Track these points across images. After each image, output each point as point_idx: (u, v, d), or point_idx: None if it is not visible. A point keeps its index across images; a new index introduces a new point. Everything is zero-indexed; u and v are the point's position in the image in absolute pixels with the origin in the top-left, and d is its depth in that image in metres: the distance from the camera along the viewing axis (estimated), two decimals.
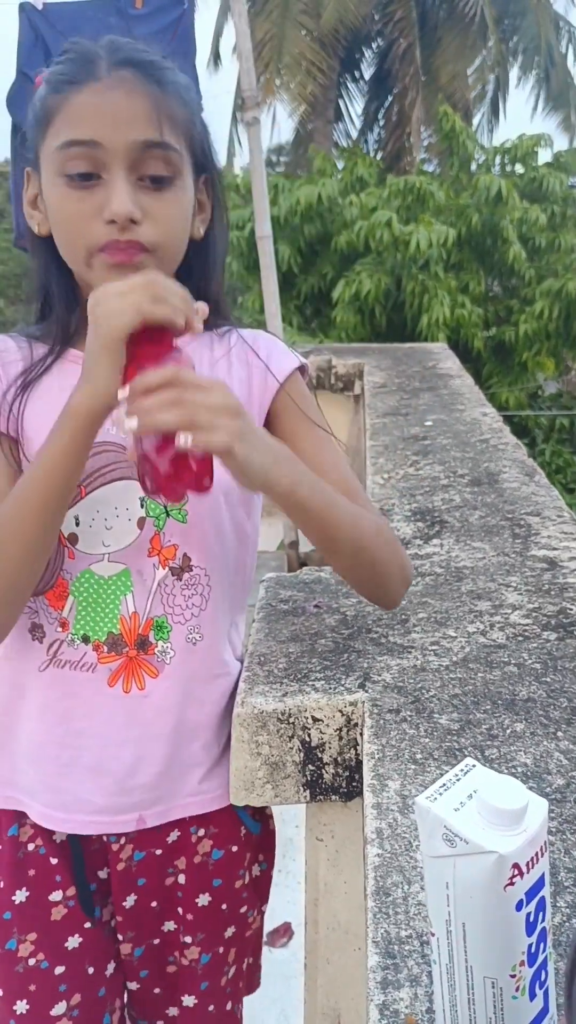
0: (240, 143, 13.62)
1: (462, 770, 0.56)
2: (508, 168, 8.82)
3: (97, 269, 0.91)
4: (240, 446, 0.81)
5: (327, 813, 1.09)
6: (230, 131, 14.06)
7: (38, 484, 0.86)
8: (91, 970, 1.04)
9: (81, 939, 1.03)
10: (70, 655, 0.99)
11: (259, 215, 3.27)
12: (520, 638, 1.13)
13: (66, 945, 1.03)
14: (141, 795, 1.02)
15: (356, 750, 1.02)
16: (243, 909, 1.12)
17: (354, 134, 14.99)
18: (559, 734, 0.92)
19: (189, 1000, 1.09)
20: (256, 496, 1.08)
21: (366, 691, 1.03)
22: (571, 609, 1.20)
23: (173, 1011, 1.11)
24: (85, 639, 0.98)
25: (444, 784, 0.55)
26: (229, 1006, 1.13)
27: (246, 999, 1.19)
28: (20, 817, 1.04)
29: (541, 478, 1.78)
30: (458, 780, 0.55)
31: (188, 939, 1.07)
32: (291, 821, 2.26)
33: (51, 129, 0.90)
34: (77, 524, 0.96)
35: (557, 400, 8.76)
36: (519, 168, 8.76)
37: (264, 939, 1.20)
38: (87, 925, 1.03)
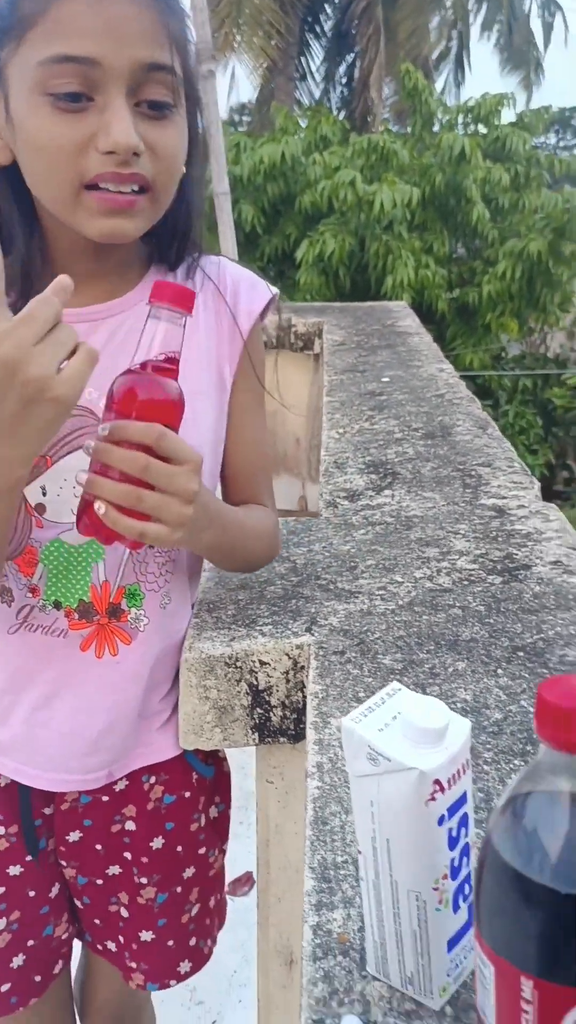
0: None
1: (388, 693, 0.57)
2: (471, 127, 8.76)
3: (85, 210, 0.82)
4: (176, 536, 0.83)
5: (276, 756, 1.11)
6: None
7: None
8: (32, 893, 1.07)
9: (22, 868, 1.05)
10: (41, 620, 0.98)
11: (216, 171, 3.22)
12: (466, 582, 1.15)
13: (7, 871, 1.05)
14: (110, 754, 1.03)
15: (303, 692, 1.03)
16: (202, 850, 1.14)
17: (317, 93, 14.78)
18: (499, 671, 0.94)
19: (147, 935, 1.11)
20: (216, 467, 1.07)
21: (313, 635, 1.04)
22: (516, 554, 1.22)
23: (111, 945, 1.14)
24: (57, 605, 0.97)
25: (370, 706, 0.56)
26: (194, 942, 1.16)
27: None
28: None
29: (494, 430, 1.79)
30: (383, 703, 0.56)
31: (144, 880, 1.09)
32: (252, 774, 2.30)
33: (29, 38, 0.77)
34: (44, 494, 0.93)
35: (520, 362, 8.79)
36: (482, 128, 8.69)
37: (226, 888, 1.22)
38: (28, 858, 1.06)
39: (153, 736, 1.07)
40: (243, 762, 1.41)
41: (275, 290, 1.07)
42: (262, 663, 1.03)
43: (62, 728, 1.00)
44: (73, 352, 0.72)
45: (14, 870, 1.05)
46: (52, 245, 0.92)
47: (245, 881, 2.25)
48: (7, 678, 1.00)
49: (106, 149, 0.79)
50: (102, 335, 0.94)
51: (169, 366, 0.80)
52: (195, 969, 1.16)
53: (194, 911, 1.14)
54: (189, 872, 1.12)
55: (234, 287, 1.03)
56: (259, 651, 1.03)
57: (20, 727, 1.01)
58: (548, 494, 1.35)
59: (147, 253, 1.00)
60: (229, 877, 2.18)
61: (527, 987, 0.39)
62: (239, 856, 2.13)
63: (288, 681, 1.04)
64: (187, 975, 1.15)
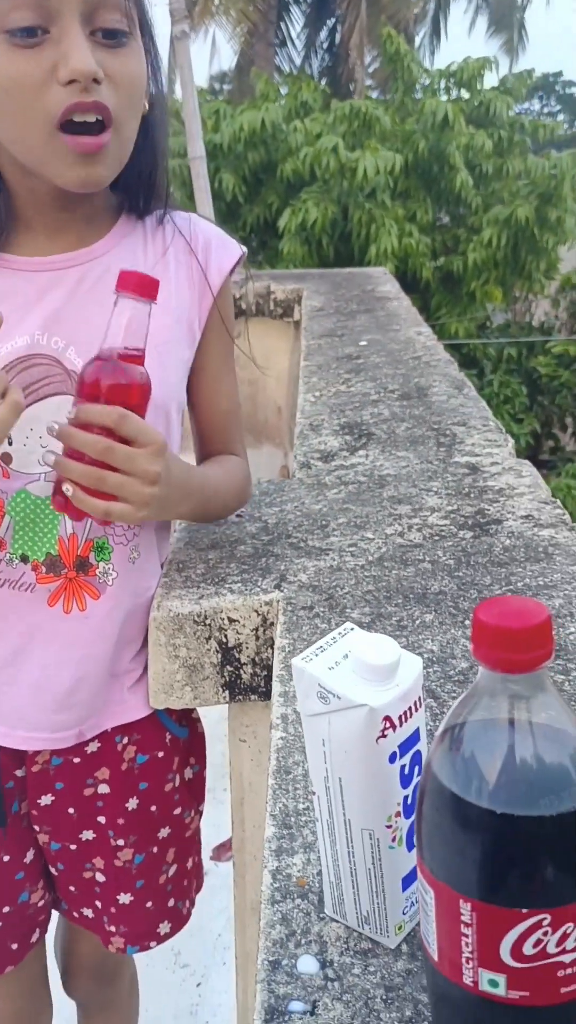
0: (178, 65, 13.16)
1: (340, 633, 0.57)
2: (453, 92, 8.66)
3: (59, 158, 0.82)
4: (141, 514, 0.86)
5: (248, 714, 1.11)
6: (168, 54, 13.57)
7: None
8: (6, 858, 1.07)
9: None
10: (8, 574, 0.97)
11: (191, 135, 3.18)
12: (436, 537, 1.14)
13: None
14: (80, 711, 1.02)
15: (272, 649, 1.03)
16: (177, 811, 1.14)
17: (298, 59, 14.59)
18: (466, 622, 0.94)
19: (125, 898, 1.11)
20: (179, 417, 1.07)
21: (282, 591, 1.03)
22: (488, 509, 1.21)
23: (88, 912, 1.14)
24: (24, 559, 0.96)
25: (321, 646, 0.55)
26: (172, 903, 1.16)
27: (195, 913, 1.21)
28: None
29: (470, 391, 1.78)
30: (335, 642, 0.56)
31: (120, 842, 1.09)
32: None
33: None
34: (10, 443, 0.92)
35: (505, 330, 8.76)
36: (464, 93, 8.60)
37: (211, 853, 1.23)
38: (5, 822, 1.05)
39: (125, 695, 1.06)
40: (225, 730, 1.41)
41: (243, 248, 1.07)
42: (231, 620, 1.02)
43: (30, 684, 1.00)
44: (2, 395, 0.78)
45: None
46: (17, 198, 0.92)
47: (229, 847, 2.26)
48: None
49: (66, 78, 0.78)
50: (69, 283, 0.94)
51: (135, 352, 0.83)
52: (174, 930, 1.16)
53: (171, 872, 1.15)
54: (165, 832, 1.12)
55: (205, 243, 1.03)
56: (228, 608, 1.02)
57: None
58: (534, 464, 1.35)
59: (116, 203, 1.00)
60: (213, 842, 2.19)
61: (466, 910, 0.38)
62: (223, 822, 2.14)
63: (258, 638, 1.03)
64: (167, 936, 1.15)
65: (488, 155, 8.00)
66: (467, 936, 0.39)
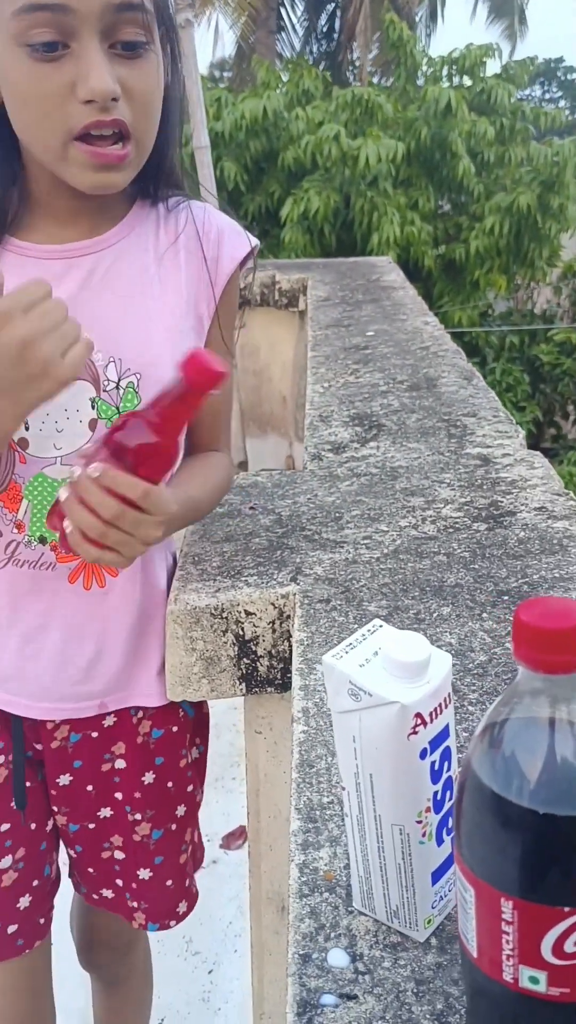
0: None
1: (369, 630, 0.57)
2: (456, 79, 8.60)
3: (75, 164, 0.84)
4: (129, 561, 0.87)
5: (264, 706, 1.11)
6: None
7: None
8: (33, 826, 1.09)
9: (24, 804, 1.07)
10: (28, 555, 0.99)
11: (195, 124, 3.16)
12: (451, 530, 1.14)
13: (11, 805, 1.07)
14: (103, 684, 1.05)
15: (289, 642, 1.03)
16: (190, 788, 1.16)
17: (298, 46, 14.49)
18: (483, 615, 0.94)
19: (144, 873, 1.13)
20: None
21: (298, 584, 1.04)
22: (502, 501, 1.21)
23: (108, 892, 1.15)
24: (42, 540, 0.98)
25: (351, 643, 0.55)
26: (188, 883, 1.18)
27: (207, 901, 1.25)
28: None
29: (479, 381, 1.78)
30: (364, 639, 0.56)
31: (138, 816, 1.11)
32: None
33: None
34: (27, 428, 0.94)
35: (507, 318, 8.74)
36: (467, 80, 8.54)
37: (220, 842, 1.25)
38: (27, 784, 1.07)
39: (153, 680, 1.07)
40: (235, 719, 1.42)
41: (256, 241, 1.07)
42: (248, 613, 1.03)
43: (53, 658, 1.02)
44: (74, 342, 0.77)
45: (14, 805, 1.07)
46: (34, 184, 0.93)
47: (239, 835, 2.28)
48: None
49: (85, 98, 0.80)
50: (82, 272, 0.95)
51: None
52: (190, 909, 1.19)
53: (189, 851, 1.17)
54: (181, 810, 1.15)
55: (218, 233, 1.04)
56: (244, 601, 1.02)
57: (12, 659, 1.03)
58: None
59: (131, 190, 0.99)
60: (223, 831, 2.21)
61: (507, 908, 0.39)
62: (232, 811, 2.16)
63: (274, 631, 1.03)
64: (184, 915, 1.18)
65: (490, 142, 7.96)
66: (508, 934, 0.39)
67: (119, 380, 0.95)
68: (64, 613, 1.01)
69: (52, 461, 0.95)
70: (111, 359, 0.95)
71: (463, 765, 0.41)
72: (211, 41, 15.55)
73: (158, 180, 0.99)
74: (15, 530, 0.98)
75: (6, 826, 1.07)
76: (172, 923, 1.16)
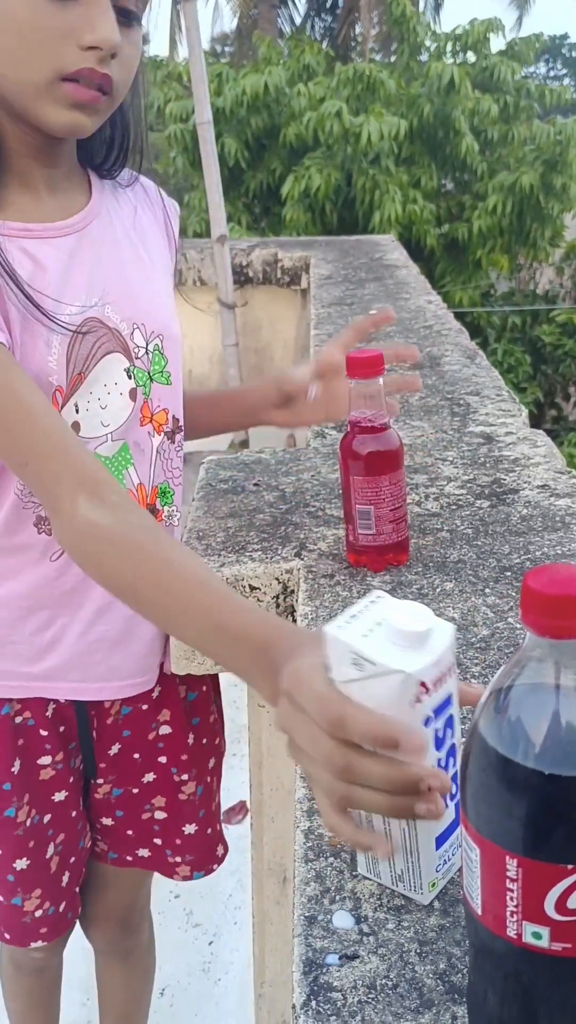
0: (181, 27, 12.96)
1: (371, 601, 0.58)
2: (460, 56, 8.52)
3: (53, 100, 0.82)
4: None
5: None
6: (171, 17, 13.35)
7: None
8: (73, 813, 1.13)
9: (67, 793, 1.11)
10: None
11: (198, 100, 3.14)
12: (454, 507, 1.15)
13: (53, 798, 1.10)
14: (164, 653, 1.09)
15: (293, 616, 1.04)
16: (217, 740, 1.22)
17: (299, 20, 14.34)
18: (486, 591, 0.95)
19: (190, 828, 1.19)
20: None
21: (302, 559, 1.04)
22: (504, 479, 1.22)
23: (144, 851, 1.20)
24: None
25: (353, 614, 0.56)
26: (219, 826, 1.25)
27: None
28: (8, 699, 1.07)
29: (482, 360, 1.78)
30: (366, 610, 0.57)
31: (185, 776, 1.16)
32: (245, 708, 2.34)
33: None
34: (77, 411, 0.94)
35: (509, 299, 8.71)
36: (471, 56, 8.47)
37: (221, 816, 1.27)
38: (71, 780, 1.11)
39: None
40: (235, 696, 1.43)
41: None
42: (252, 588, 1.04)
43: (120, 636, 1.04)
44: None
45: (59, 796, 1.11)
46: (9, 152, 0.90)
47: (239, 810, 2.30)
48: (55, 604, 1.02)
49: (91, 43, 0.80)
50: (88, 243, 0.96)
51: (380, 423, 0.95)
52: (226, 851, 1.26)
53: (218, 798, 1.25)
54: (212, 762, 1.21)
55: (167, 200, 1.11)
56: (249, 576, 1.03)
57: (77, 646, 1.03)
58: None
59: (83, 170, 1.01)
60: (224, 806, 2.23)
61: (512, 866, 0.40)
62: (233, 786, 2.18)
63: (279, 605, 1.04)
64: (222, 858, 1.25)
65: (494, 120, 7.91)
66: (512, 891, 0.40)
67: (147, 344, 0.98)
68: None
69: (103, 439, 0.97)
70: (135, 325, 0.97)
71: (469, 728, 0.42)
72: (211, 16, 15.40)
73: (120, 155, 1.01)
74: None
75: (48, 817, 1.11)
76: (215, 867, 1.24)
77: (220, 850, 1.26)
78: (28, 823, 1.09)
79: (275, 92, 7.43)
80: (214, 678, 1.22)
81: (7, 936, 1.14)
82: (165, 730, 1.14)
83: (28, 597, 1.01)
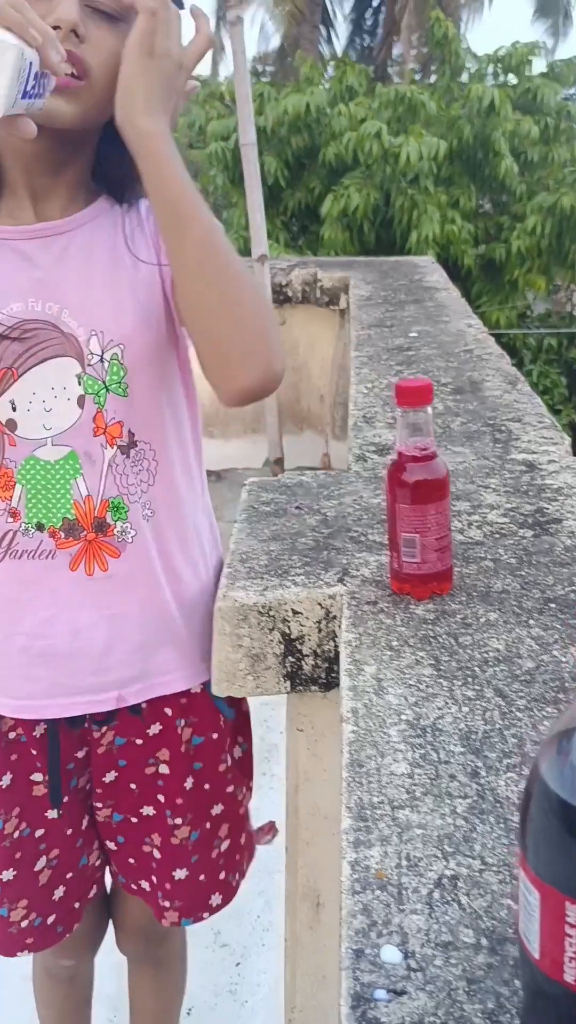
0: (224, 48, 13.11)
1: None
2: (500, 78, 8.54)
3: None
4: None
5: (307, 704, 1.13)
6: (218, 38, 13.51)
7: None
8: (69, 831, 1.12)
9: (60, 811, 1.10)
10: (26, 544, 0.98)
11: (243, 121, 3.17)
12: (497, 535, 1.15)
13: (46, 815, 1.10)
14: (118, 673, 1.05)
15: (335, 642, 1.05)
16: (230, 789, 1.18)
17: (341, 42, 14.46)
18: (531, 622, 0.95)
19: (180, 873, 1.15)
20: (190, 374, 1.08)
21: (345, 585, 1.05)
22: (547, 508, 1.22)
23: (145, 884, 1.18)
24: (40, 527, 0.98)
25: None
26: (223, 876, 1.20)
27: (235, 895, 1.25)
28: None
29: (523, 386, 1.78)
30: None
31: (178, 820, 1.13)
32: (276, 728, 2.33)
33: None
34: (14, 409, 0.95)
35: (546, 320, 8.67)
36: (511, 78, 8.48)
37: (247, 846, 1.27)
38: (66, 799, 1.10)
39: (177, 664, 1.08)
40: (266, 715, 1.43)
41: None
42: (295, 612, 1.04)
43: (64, 651, 1.02)
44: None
45: (52, 813, 1.10)
46: (3, 158, 0.94)
47: (268, 830, 2.30)
48: None
49: (50, 24, 0.83)
50: (54, 251, 0.97)
51: (427, 452, 0.95)
52: (225, 902, 1.21)
53: (223, 846, 1.19)
54: (217, 809, 1.16)
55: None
56: (292, 600, 1.04)
57: (19, 659, 1.02)
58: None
59: (96, 190, 1.02)
60: (252, 826, 2.21)
61: (572, 912, 0.40)
62: (262, 806, 2.17)
63: (320, 631, 1.05)
64: (218, 908, 1.20)
65: (534, 142, 7.90)
66: (572, 936, 0.40)
67: (103, 352, 0.96)
68: (70, 603, 1.00)
69: (43, 442, 0.96)
70: (92, 332, 0.96)
71: (530, 771, 0.43)
72: (255, 36, 15.55)
73: (132, 186, 1.00)
74: (10, 519, 0.98)
75: (40, 831, 1.11)
76: (205, 915, 1.19)
77: (216, 899, 1.20)
78: (16, 835, 1.09)
79: (316, 112, 7.49)
80: (237, 723, 1.19)
81: None
82: (164, 769, 1.12)
83: None
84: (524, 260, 7.74)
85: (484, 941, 0.58)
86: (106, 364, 0.97)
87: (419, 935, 0.59)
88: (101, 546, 1.00)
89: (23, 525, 0.98)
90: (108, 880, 1.27)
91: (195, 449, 1.11)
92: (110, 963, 1.44)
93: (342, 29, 14.65)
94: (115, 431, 0.99)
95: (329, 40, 14.41)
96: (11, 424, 0.95)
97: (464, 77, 8.50)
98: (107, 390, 0.98)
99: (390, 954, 0.58)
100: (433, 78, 9.75)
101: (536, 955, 0.43)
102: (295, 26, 12.48)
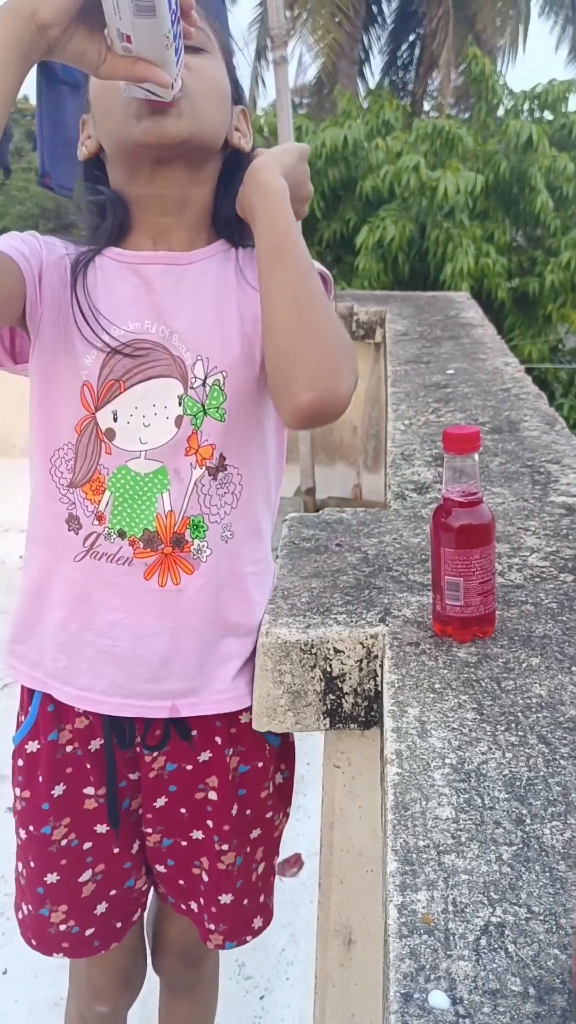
0: (263, 82, 13.33)
1: None
2: (537, 114, 8.61)
3: (131, 111, 0.94)
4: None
5: (344, 741, 1.14)
6: (253, 70, 13.75)
7: None
8: (116, 851, 1.15)
9: (108, 827, 1.13)
10: (106, 548, 1.03)
11: None
12: (537, 579, 1.16)
13: (95, 829, 1.13)
14: (174, 684, 1.08)
15: (375, 681, 1.06)
16: (268, 815, 1.21)
17: (375, 75, 14.64)
18: (573, 668, 0.95)
19: (226, 898, 1.18)
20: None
21: (387, 625, 1.06)
22: None
23: (194, 906, 1.20)
24: (121, 534, 1.03)
25: None
26: (262, 899, 1.23)
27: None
28: (59, 722, 1.11)
29: (562, 427, 1.79)
30: None
31: (225, 846, 1.16)
32: (303, 759, 2.33)
33: None
34: (115, 420, 1.00)
35: None
36: (548, 115, 8.54)
37: (275, 869, 1.28)
38: (107, 827, 1.13)
39: (232, 684, 1.11)
40: (299, 748, 1.44)
41: (326, 270, 1.12)
42: (336, 651, 1.06)
43: (125, 654, 1.06)
44: None
45: (101, 828, 1.13)
46: (131, 204, 1.04)
47: (294, 863, 2.30)
48: (72, 606, 1.06)
49: None
50: (171, 280, 1.04)
51: (473, 498, 0.98)
52: (266, 924, 1.24)
53: (260, 869, 1.22)
54: (256, 833, 1.19)
55: None
56: (334, 639, 1.05)
57: (87, 653, 1.06)
58: None
59: (215, 234, 1.10)
60: (279, 858, 2.22)
61: None
62: (288, 838, 2.17)
63: (361, 670, 1.06)
64: (259, 930, 1.23)
65: (569, 178, 7.93)
66: None
67: (205, 378, 1.02)
68: (138, 610, 1.04)
69: (137, 455, 1.01)
70: (198, 357, 1.02)
71: None
72: (293, 70, 15.82)
73: (240, 231, 1.07)
74: (96, 522, 1.03)
75: (88, 844, 1.14)
76: (249, 938, 1.22)
77: (258, 922, 1.23)
78: (64, 843, 1.13)
79: (353, 145, 7.58)
80: (280, 754, 1.21)
81: (34, 942, 1.19)
82: (212, 795, 1.14)
83: (53, 593, 1.06)
84: (557, 294, 7.75)
85: (532, 990, 0.59)
86: (207, 388, 1.03)
87: (467, 981, 0.60)
88: (176, 560, 1.04)
89: (106, 530, 1.03)
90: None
91: (276, 482, 1.16)
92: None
93: (377, 63, 14.84)
94: (206, 453, 1.04)
95: (362, 74, 14.60)
96: (110, 433, 1.01)
97: (500, 113, 8.58)
98: (205, 413, 1.03)
99: (438, 999, 0.58)
100: (468, 114, 9.84)
101: None
102: (333, 60, 12.66)
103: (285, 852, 2.36)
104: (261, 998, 1.95)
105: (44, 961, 1.27)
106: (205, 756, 1.12)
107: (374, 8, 13.95)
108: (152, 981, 1.44)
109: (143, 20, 0.83)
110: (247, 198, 1.00)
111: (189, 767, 1.12)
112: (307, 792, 2.15)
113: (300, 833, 2.26)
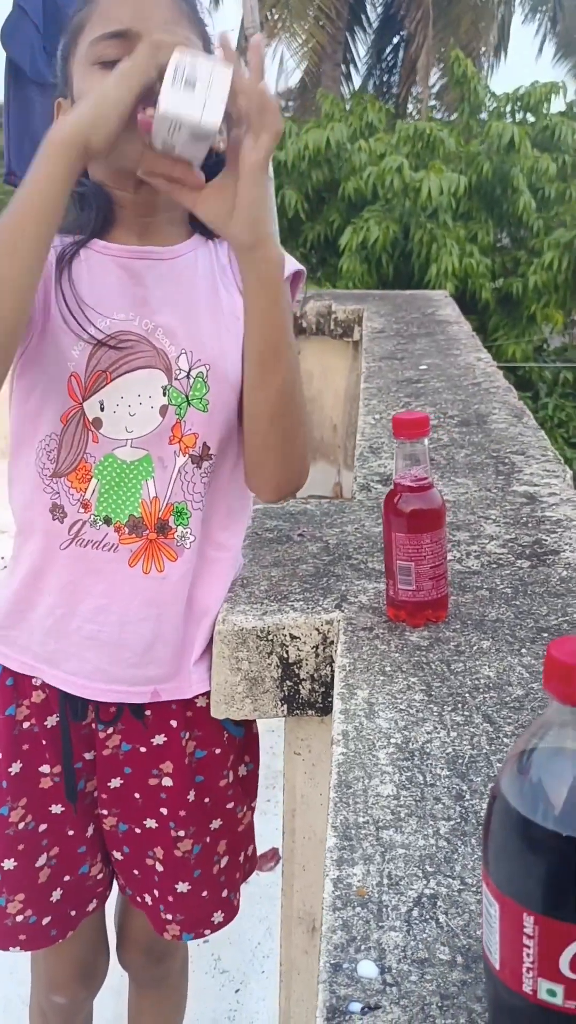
0: None
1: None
2: (519, 116, 8.66)
3: (133, 137, 0.92)
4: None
5: (304, 728, 1.15)
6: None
7: (28, 208, 0.88)
8: (71, 832, 1.15)
9: (63, 808, 1.13)
10: (92, 535, 1.05)
11: None
12: (494, 565, 1.17)
13: (50, 809, 1.13)
14: (156, 670, 1.09)
15: (332, 667, 1.07)
16: (230, 805, 1.20)
17: (358, 78, 14.69)
18: (523, 651, 0.96)
19: (183, 886, 1.18)
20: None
21: (342, 611, 1.07)
22: (546, 540, 1.24)
23: (148, 898, 1.20)
24: (107, 520, 1.05)
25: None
26: (225, 893, 1.22)
27: (237, 921, 1.26)
28: (17, 696, 1.12)
29: (529, 419, 1.80)
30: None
31: (181, 832, 1.16)
32: (280, 754, 2.34)
33: (83, 37, 0.97)
34: (102, 409, 1.02)
35: (562, 354, 8.70)
36: (530, 117, 8.59)
37: (245, 866, 1.28)
38: (63, 805, 1.13)
39: (191, 668, 1.12)
40: (272, 742, 1.44)
41: (300, 266, 1.14)
42: (293, 637, 1.06)
43: (110, 640, 1.07)
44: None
45: (56, 808, 1.14)
46: (117, 205, 1.04)
47: (271, 857, 2.30)
48: (59, 592, 1.07)
49: None
50: (156, 274, 1.05)
51: (423, 483, 0.99)
52: (226, 920, 1.23)
53: (223, 863, 1.21)
54: (216, 824, 1.19)
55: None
56: (290, 625, 1.06)
57: (73, 638, 1.08)
58: None
59: (189, 231, 1.10)
60: (256, 850, 2.21)
61: (529, 923, 0.42)
62: (266, 833, 2.17)
63: (317, 655, 1.07)
64: (220, 925, 1.22)
65: (551, 179, 7.98)
66: (529, 948, 0.42)
67: (189, 370, 1.04)
68: (123, 596, 1.06)
69: (123, 443, 1.03)
70: (183, 351, 1.04)
71: (492, 788, 0.45)
72: (275, 72, 15.82)
73: None
74: (81, 510, 1.04)
75: (44, 827, 1.14)
76: (207, 932, 1.21)
77: (218, 917, 1.21)
78: (20, 826, 1.13)
79: (337, 147, 7.61)
80: (245, 741, 1.21)
81: None
82: (167, 782, 1.14)
83: (40, 581, 1.08)
84: (541, 295, 7.79)
85: (459, 958, 0.60)
86: (191, 380, 1.05)
87: (396, 951, 0.61)
88: (160, 547, 1.06)
89: (92, 517, 1.05)
90: (110, 904, 1.29)
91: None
92: (108, 986, 1.45)
93: (361, 65, 14.87)
94: (190, 441, 1.06)
95: (349, 77, 14.63)
96: (97, 422, 1.03)
97: (483, 115, 8.62)
98: (189, 403, 1.05)
99: (367, 969, 0.59)
100: (452, 116, 9.89)
101: (497, 966, 0.45)
102: (317, 63, 12.69)
103: (262, 847, 2.36)
104: (236, 991, 1.96)
105: (17, 958, 1.27)
106: (159, 740, 1.12)
107: (359, 11, 14.00)
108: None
109: (196, 144, 0.88)
110: (249, 282, 0.99)
111: (143, 749, 1.12)
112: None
113: (277, 828, 2.27)
